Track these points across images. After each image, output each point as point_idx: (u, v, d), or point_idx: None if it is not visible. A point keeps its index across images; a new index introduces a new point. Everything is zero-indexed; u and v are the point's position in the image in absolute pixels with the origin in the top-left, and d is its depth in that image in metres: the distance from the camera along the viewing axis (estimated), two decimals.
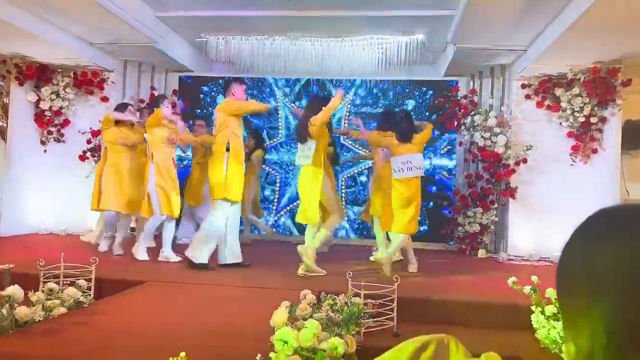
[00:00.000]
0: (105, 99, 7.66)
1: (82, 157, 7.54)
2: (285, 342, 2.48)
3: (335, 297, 3.60)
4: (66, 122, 7.77)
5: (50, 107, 7.67)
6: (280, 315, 2.95)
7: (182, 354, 2.00)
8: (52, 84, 7.63)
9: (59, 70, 7.64)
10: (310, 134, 5.21)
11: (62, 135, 7.80)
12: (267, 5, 6.44)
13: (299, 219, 5.43)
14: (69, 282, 3.94)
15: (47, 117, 7.72)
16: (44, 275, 3.91)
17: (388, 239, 5.78)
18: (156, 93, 7.99)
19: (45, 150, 7.83)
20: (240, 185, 5.45)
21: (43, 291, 3.70)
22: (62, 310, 3.56)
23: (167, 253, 5.68)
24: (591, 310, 0.79)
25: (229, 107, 5.42)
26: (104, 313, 3.65)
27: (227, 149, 5.31)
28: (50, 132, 7.79)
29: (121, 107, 6.19)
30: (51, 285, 3.75)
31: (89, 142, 7.51)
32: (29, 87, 7.63)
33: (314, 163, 5.18)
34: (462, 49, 6.53)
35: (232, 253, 5.48)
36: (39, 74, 7.54)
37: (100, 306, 3.85)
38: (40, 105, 7.66)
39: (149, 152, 5.72)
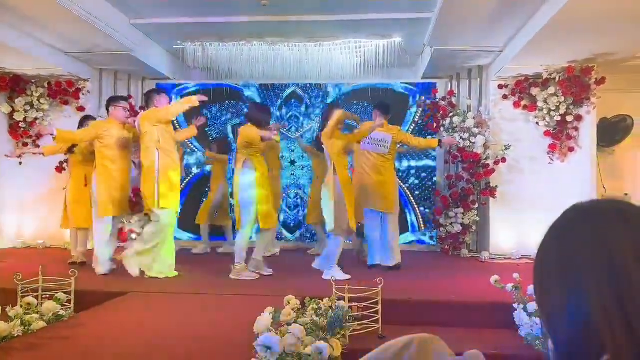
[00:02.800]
0: (81, 109, 7.55)
1: (59, 169, 7.42)
2: (269, 348, 2.46)
3: (320, 301, 3.59)
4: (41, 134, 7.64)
5: (25, 119, 7.54)
6: (263, 320, 2.93)
7: None
8: (26, 95, 7.51)
9: (33, 80, 7.52)
10: None
11: (38, 146, 7.67)
12: (244, 11, 6.42)
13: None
14: (47, 295, 3.86)
15: (22, 129, 7.59)
16: (22, 289, 3.84)
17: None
18: (133, 102, 7.91)
19: (20, 163, 7.70)
20: None
21: (21, 306, 3.62)
22: (42, 324, 3.49)
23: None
24: (568, 303, 0.79)
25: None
26: (84, 326, 3.59)
27: None
28: (25, 144, 7.66)
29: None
30: (29, 299, 3.68)
31: (65, 153, 7.39)
32: (3, 99, 7.50)
33: None
34: (440, 51, 6.58)
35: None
36: (12, 85, 7.42)
37: (80, 319, 3.78)
38: (14, 117, 7.54)
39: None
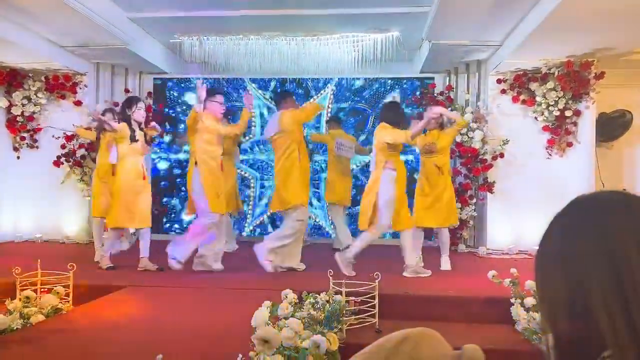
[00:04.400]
0: (78, 103, 7.53)
1: (57, 163, 7.41)
2: (267, 342, 2.46)
3: (317, 295, 3.59)
4: (39, 128, 7.62)
5: (22, 113, 7.52)
6: (261, 314, 2.93)
7: (159, 356, 1.97)
8: (23, 89, 7.49)
9: (30, 74, 7.49)
10: None
11: (36, 140, 7.65)
12: (241, 5, 6.39)
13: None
14: (46, 289, 3.86)
15: (20, 123, 7.57)
16: (20, 282, 3.84)
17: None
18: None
19: (18, 157, 7.68)
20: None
21: (20, 299, 3.63)
22: (40, 317, 3.50)
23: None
24: (569, 296, 0.79)
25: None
26: (83, 319, 3.59)
27: None
28: (23, 138, 7.64)
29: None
30: (28, 292, 3.68)
31: (63, 147, 7.38)
32: (0, 93, 7.48)
33: None
34: (438, 45, 6.56)
35: None
36: (9, 79, 7.39)
37: (79, 313, 3.79)
38: (12, 111, 7.52)
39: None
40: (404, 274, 5.11)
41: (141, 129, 5.53)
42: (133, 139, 5.39)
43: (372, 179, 5.23)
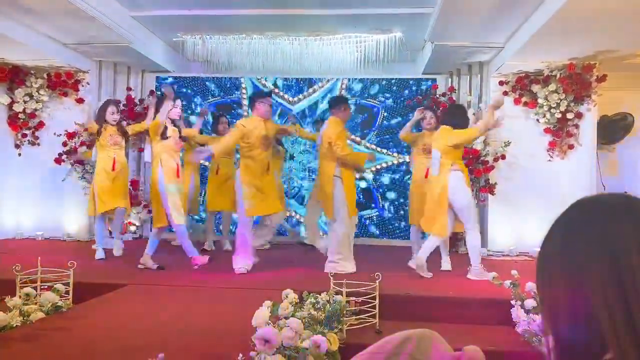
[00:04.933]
0: (80, 101, 7.53)
1: (58, 160, 7.41)
2: (267, 341, 2.46)
3: (317, 295, 3.60)
4: (41, 125, 7.63)
5: (24, 110, 7.52)
6: (261, 314, 2.94)
7: (161, 355, 1.97)
8: (25, 86, 7.49)
9: (32, 71, 7.50)
10: None
11: (37, 138, 7.66)
12: (244, 4, 6.40)
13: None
14: (46, 286, 3.86)
15: (21, 120, 7.57)
16: (20, 280, 3.84)
17: None
18: (132, 94, 7.90)
19: (19, 154, 7.68)
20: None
21: (20, 296, 3.63)
22: (40, 315, 3.50)
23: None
24: (571, 297, 0.79)
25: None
26: (83, 317, 3.60)
27: None
28: (24, 135, 7.64)
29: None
30: (28, 290, 3.68)
31: (64, 144, 7.38)
32: (2, 90, 7.47)
33: None
34: (440, 46, 6.56)
35: None
36: (11, 76, 7.39)
37: (79, 310, 3.79)
38: (13, 108, 7.52)
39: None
40: (409, 263, 5.14)
41: (176, 126, 5.50)
42: (164, 137, 5.31)
43: (440, 185, 5.13)
